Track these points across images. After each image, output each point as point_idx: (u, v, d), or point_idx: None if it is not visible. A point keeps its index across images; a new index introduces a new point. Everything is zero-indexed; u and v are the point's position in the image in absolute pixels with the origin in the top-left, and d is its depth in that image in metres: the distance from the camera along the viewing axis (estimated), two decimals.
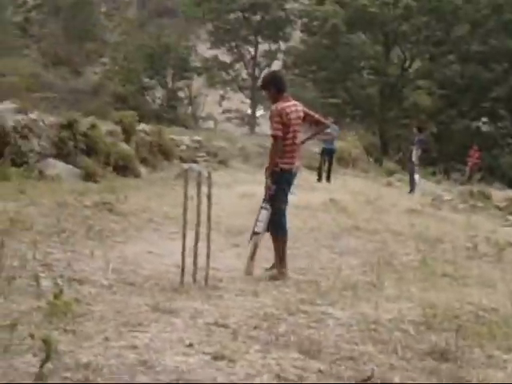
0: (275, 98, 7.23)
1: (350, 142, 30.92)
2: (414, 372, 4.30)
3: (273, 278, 6.95)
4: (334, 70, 42.70)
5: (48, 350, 3.59)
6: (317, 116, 7.75)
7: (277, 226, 7.21)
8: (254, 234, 7.21)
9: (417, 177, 20.19)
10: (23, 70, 41.43)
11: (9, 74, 36.74)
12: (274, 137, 7.09)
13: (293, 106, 7.21)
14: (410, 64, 43.04)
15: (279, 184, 7.11)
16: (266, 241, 7.41)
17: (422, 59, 43.17)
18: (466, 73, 40.56)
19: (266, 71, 49.46)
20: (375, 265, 7.85)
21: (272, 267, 7.28)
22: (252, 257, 7.20)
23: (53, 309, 4.80)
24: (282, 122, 7.04)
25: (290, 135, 7.10)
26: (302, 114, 7.31)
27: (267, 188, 7.11)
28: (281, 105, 7.12)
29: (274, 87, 7.27)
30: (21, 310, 4.95)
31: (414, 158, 20.13)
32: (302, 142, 7.62)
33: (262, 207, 7.16)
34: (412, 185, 20.15)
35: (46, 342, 3.60)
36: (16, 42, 55.95)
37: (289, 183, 7.30)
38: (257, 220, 7.16)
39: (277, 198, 7.11)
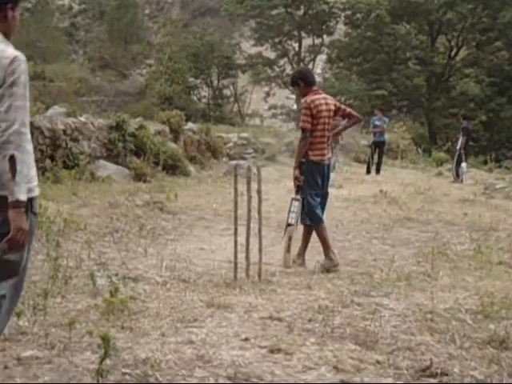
0: (305, 93, 7.41)
1: (398, 133, 30.62)
2: (473, 361, 4.24)
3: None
4: (379, 61, 42.34)
5: (106, 346, 3.63)
6: (348, 109, 7.79)
7: (308, 217, 7.24)
8: (288, 225, 7.25)
9: (463, 165, 19.96)
10: (71, 75, 42.02)
11: (57, 79, 37.32)
12: (303, 129, 7.24)
13: (322, 99, 7.34)
14: (456, 52, 42.43)
15: (310, 175, 7.20)
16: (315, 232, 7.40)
17: (468, 47, 42.49)
18: None
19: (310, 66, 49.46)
20: (429, 255, 7.78)
21: (298, 257, 7.37)
22: (288, 249, 7.23)
23: (109, 307, 4.86)
24: (311, 115, 7.18)
25: (320, 127, 7.22)
26: (332, 107, 7.42)
27: (295, 179, 7.21)
28: (310, 98, 7.27)
29: (303, 82, 7.43)
30: (78, 308, 5.03)
31: (458, 146, 20.08)
32: (335, 135, 7.62)
33: (293, 199, 7.25)
34: (457, 173, 19.95)
35: (104, 339, 3.64)
36: (63, 48, 56.84)
37: (321, 174, 7.32)
38: (289, 211, 7.22)
39: (306, 189, 7.20)
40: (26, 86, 3.20)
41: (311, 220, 7.26)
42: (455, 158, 20.33)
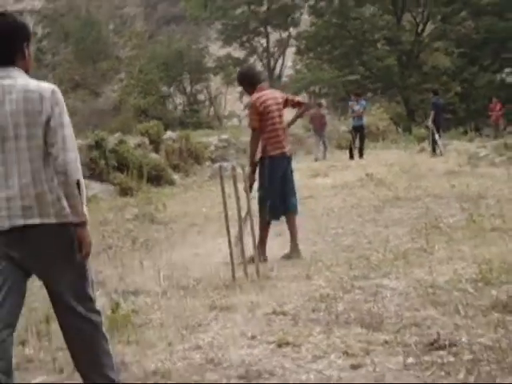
0: (251, 92, 7.45)
1: (376, 115, 30.70)
2: (479, 328, 4.28)
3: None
4: (347, 46, 42.43)
5: None
6: (297, 98, 7.93)
7: (266, 211, 7.28)
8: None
9: (436, 137, 20.19)
10: None
11: None
12: (252, 128, 7.29)
13: (269, 94, 7.43)
14: (423, 28, 42.55)
15: (271, 171, 7.23)
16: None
17: (434, 21, 42.62)
18: (481, 27, 40.02)
19: (280, 60, 49.51)
20: (422, 230, 7.82)
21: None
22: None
23: (113, 323, 4.85)
24: (258, 112, 7.21)
25: (271, 121, 7.27)
26: (280, 100, 7.47)
27: (248, 178, 7.11)
28: (255, 96, 7.32)
29: (246, 82, 7.55)
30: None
31: (430, 122, 20.42)
32: (288, 126, 7.64)
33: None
34: (433, 146, 20.16)
35: None
36: (31, 73, 56.63)
37: (283, 168, 7.36)
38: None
39: (266, 184, 7.23)
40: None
41: (266, 214, 7.27)
42: (430, 134, 20.60)
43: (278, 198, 7.33)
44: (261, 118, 7.21)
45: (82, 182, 3.32)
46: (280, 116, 7.41)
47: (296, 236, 7.43)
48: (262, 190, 7.29)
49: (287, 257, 7.22)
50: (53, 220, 3.28)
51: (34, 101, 3.25)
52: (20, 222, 3.24)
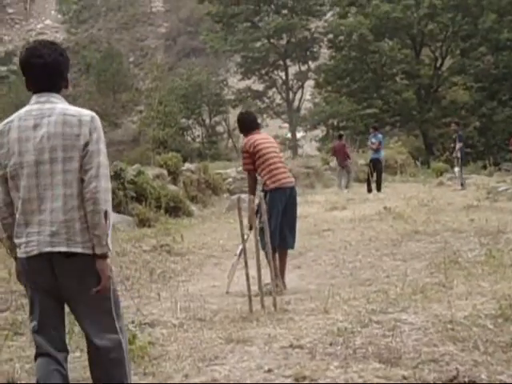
0: (246, 136, 7.80)
1: (394, 148, 30.72)
2: (499, 365, 4.22)
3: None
4: (366, 80, 42.65)
5: None
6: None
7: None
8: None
9: (456, 170, 20.16)
10: None
11: None
12: (247, 171, 7.77)
13: (262, 136, 7.82)
14: (441, 62, 42.73)
15: (272, 204, 7.35)
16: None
17: (453, 56, 42.81)
18: (499, 62, 40.10)
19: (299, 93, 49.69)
20: (441, 265, 7.75)
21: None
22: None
23: (129, 354, 4.83)
24: (250, 154, 7.56)
25: (265, 157, 7.54)
26: (274, 142, 7.99)
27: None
28: (245, 140, 7.74)
29: (244, 127, 7.91)
30: None
31: (459, 153, 20.34)
32: None
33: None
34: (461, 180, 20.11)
35: None
36: None
37: (284, 199, 7.57)
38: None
39: (271, 218, 7.26)
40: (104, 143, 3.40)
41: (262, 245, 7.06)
42: (459, 165, 20.46)
43: (277, 229, 7.43)
44: (255, 159, 7.53)
45: (111, 213, 3.32)
46: (276, 152, 7.72)
47: (283, 272, 7.59)
48: (262, 222, 7.08)
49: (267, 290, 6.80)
50: (79, 249, 3.27)
51: (72, 124, 3.29)
52: (47, 248, 3.25)
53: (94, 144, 3.29)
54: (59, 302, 3.43)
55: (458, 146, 20.36)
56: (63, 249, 3.25)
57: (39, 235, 3.26)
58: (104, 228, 3.27)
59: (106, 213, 3.27)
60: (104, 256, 3.32)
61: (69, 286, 3.32)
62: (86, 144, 3.28)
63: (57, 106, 3.36)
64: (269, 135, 8.27)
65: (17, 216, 3.33)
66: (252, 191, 7.55)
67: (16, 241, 3.35)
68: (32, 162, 3.28)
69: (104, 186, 3.27)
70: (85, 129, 3.29)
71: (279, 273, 7.40)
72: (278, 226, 7.50)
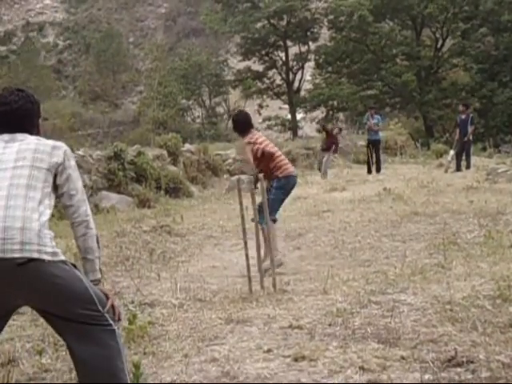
0: (243, 136, 8.14)
1: (394, 129, 30.69)
2: (497, 346, 4.24)
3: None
4: (366, 61, 42.52)
5: (137, 373, 3.67)
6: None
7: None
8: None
9: (452, 152, 20.16)
10: (63, 111, 42.21)
11: (51, 117, 37.43)
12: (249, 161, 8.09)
13: (261, 137, 8.24)
14: (442, 43, 42.57)
15: (280, 192, 7.97)
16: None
17: (453, 37, 42.64)
18: (500, 44, 39.97)
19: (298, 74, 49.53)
20: (440, 246, 7.78)
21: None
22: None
23: (129, 334, 4.86)
24: (252, 151, 7.92)
25: (269, 152, 7.98)
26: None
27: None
28: (246, 138, 8.01)
29: (239, 127, 8.21)
30: None
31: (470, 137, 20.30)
32: None
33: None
34: (468, 162, 20.06)
35: (136, 365, 3.70)
36: (52, 85, 57.08)
37: (290, 186, 8.12)
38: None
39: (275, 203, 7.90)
40: None
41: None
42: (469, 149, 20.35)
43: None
44: (258, 156, 7.89)
45: (99, 237, 3.36)
46: (271, 147, 8.12)
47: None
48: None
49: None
50: (35, 255, 3.09)
51: (46, 144, 3.31)
52: (7, 255, 3.07)
53: (74, 170, 3.31)
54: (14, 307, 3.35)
55: (471, 129, 20.21)
56: (16, 254, 3.06)
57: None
58: (97, 252, 3.32)
59: (97, 237, 3.31)
60: (98, 282, 3.35)
61: (28, 293, 3.19)
62: (60, 164, 3.26)
63: (29, 136, 3.37)
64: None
65: None
66: (249, 163, 7.97)
67: None
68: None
69: (89, 211, 3.31)
70: (59, 152, 3.29)
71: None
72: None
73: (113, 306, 3.30)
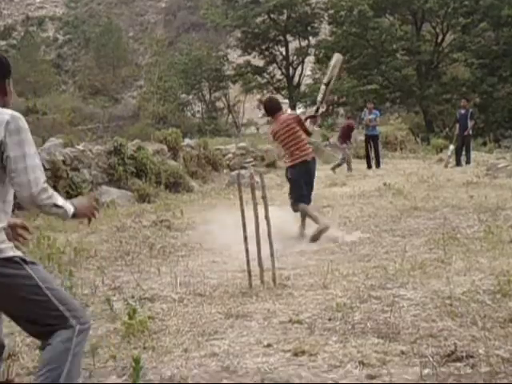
0: (271, 118, 9.95)
1: (394, 124, 30.73)
2: (497, 340, 4.25)
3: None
4: (366, 56, 42.46)
5: (137, 367, 3.67)
6: (305, 127, 9.57)
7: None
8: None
9: (451, 147, 20.20)
10: (63, 106, 42.14)
11: (50, 112, 37.40)
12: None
13: (282, 122, 9.39)
14: (442, 38, 42.50)
15: (292, 174, 9.39)
16: None
17: (454, 32, 42.57)
18: (500, 39, 39.91)
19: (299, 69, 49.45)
20: (440, 241, 7.78)
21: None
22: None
23: (129, 329, 4.87)
24: (274, 140, 9.75)
25: (284, 143, 9.37)
26: (292, 121, 9.40)
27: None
28: (271, 128, 9.84)
29: (267, 110, 9.91)
30: (98, 334, 5.03)
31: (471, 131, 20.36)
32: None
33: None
34: (468, 157, 20.09)
35: (136, 360, 3.70)
36: (52, 80, 57.02)
37: (304, 172, 9.37)
38: None
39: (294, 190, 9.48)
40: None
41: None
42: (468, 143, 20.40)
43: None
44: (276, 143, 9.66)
45: (55, 195, 3.23)
46: (292, 134, 9.29)
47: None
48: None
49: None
50: None
51: None
52: None
53: (16, 149, 3.15)
54: None
55: (471, 123, 20.27)
56: None
57: None
58: (60, 213, 3.27)
59: (54, 205, 3.23)
60: (75, 215, 3.35)
61: None
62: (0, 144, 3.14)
63: None
64: (290, 115, 10.10)
65: None
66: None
67: None
68: None
69: (37, 190, 3.15)
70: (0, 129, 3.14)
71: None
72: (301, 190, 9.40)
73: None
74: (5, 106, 3.33)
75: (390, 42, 42.32)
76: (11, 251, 3.16)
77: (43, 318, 3.18)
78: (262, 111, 49.37)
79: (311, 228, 9.11)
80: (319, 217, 9.27)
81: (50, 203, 3.19)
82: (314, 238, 8.80)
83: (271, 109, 9.66)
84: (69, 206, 3.31)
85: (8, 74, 3.44)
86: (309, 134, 9.65)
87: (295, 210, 9.41)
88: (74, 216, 3.33)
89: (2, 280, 3.09)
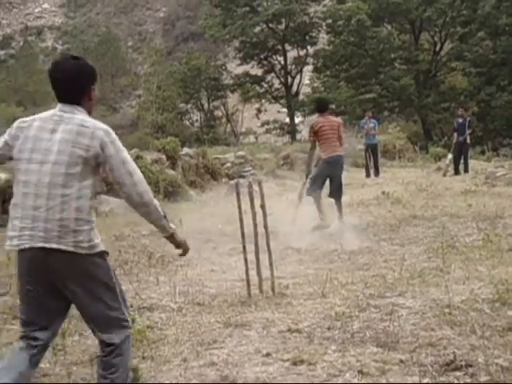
0: (319, 115, 10.77)
1: (393, 133, 30.69)
2: (496, 349, 4.24)
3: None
4: (364, 65, 42.51)
5: (136, 377, 3.68)
6: (341, 134, 10.64)
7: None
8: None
9: (450, 156, 20.25)
10: None
11: None
12: (310, 141, 10.79)
13: (326, 119, 10.52)
14: (440, 47, 42.57)
15: (320, 170, 10.47)
16: None
17: (452, 41, 42.65)
18: (498, 47, 39.97)
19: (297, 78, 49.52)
20: (439, 250, 7.77)
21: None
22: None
23: None
24: (314, 132, 10.50)
25: (323, 136, 10.37)
26: (336, 124, 10.58)
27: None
28: (314, 120, 10.87)
29: (316, 108, 11.19)
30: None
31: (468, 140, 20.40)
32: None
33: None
34: (466, 165, 20.13)
35: (135, 369, 3.71)
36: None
37: (331, 167, 10.40)
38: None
39: (315, 178, 10.46)
40: None
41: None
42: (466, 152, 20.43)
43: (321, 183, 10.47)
44: (316, 135, 10.41)
45: (158, 204, 3.59)
46: (333, 133, 10.39)
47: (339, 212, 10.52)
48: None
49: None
50: (70, 248, 3.35)
51: (85, 135, 3.40)
52: (39, 244, 3.33)
53: (115, 156, 3.44)
54: (51, 295, 3.48)
55: (468, 131, 20.30)
56: (54, 245, 3.33)
57: (32, 230, 3.34)
58: (162, 219, 3.71)
59: (156, 206, 3.61)
60: (171, 235, 3.89)
61: (59, 281, 3.42)
62: (97, 156, 3.40)
63: (77, 116, 3.47)
64: (335, 118, 11.13)
65: (10, 209, 3.45)
66: (309, 161, 10.94)
67: (9, 233, 3.42)
68: (38, 160, 3.38)
69: (143, 188, 3.52)
70: (95, 142, 3.40)
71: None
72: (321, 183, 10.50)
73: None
74: (90, 110, 3.60)
75: (388, 51, 42.38)
76: (103, 246, 3.54)
77: (110, 309, 3.57)
78: (261, 120, 49.43)
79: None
80: (325, 213, 10.32)
81: (156, 203, 3.59)
82: (313, 229, 9.96)
83: (322, 106, 10.83)
84: (168, 223, 3.71)
85: (94, 81, 3.70)
86: (340, 141, 10.58)
87: (309, 194, 10.42)
88: (172, 236, 3.83)
89: (95, 270, 3.45)
